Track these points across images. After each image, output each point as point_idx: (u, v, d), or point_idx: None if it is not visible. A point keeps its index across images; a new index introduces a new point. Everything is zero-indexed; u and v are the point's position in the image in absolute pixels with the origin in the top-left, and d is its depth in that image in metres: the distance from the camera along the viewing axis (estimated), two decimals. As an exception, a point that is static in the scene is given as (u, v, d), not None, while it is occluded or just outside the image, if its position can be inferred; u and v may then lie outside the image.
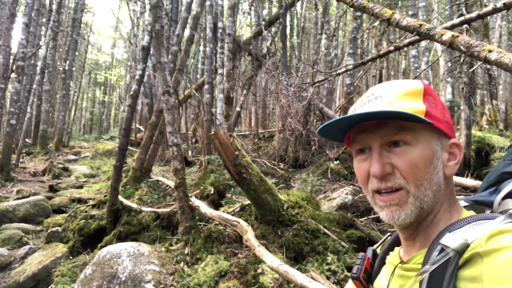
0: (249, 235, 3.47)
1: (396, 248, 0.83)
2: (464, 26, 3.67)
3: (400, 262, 0.76)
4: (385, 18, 3.31)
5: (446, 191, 0.73)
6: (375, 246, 0.92)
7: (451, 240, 0.62)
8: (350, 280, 0.89)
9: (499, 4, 2.66)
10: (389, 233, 0.93)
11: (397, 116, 0.67)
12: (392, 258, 0.81)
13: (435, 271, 0.61)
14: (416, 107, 0.70)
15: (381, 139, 0.71)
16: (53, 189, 9.17)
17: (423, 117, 0.68)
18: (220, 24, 9.59)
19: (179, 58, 7.58)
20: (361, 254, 0.89)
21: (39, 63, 15.85)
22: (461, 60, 6.19)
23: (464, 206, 0.83)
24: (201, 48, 18.49)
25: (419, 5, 11.57)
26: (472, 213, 0.73)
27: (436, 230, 0.70)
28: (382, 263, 0.85)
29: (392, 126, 0.70)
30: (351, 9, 8.35)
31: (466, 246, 0.60)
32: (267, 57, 9.41)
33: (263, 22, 10.71)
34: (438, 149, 0.72)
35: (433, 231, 0.71)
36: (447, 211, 0.72)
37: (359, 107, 0.75)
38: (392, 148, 0.71)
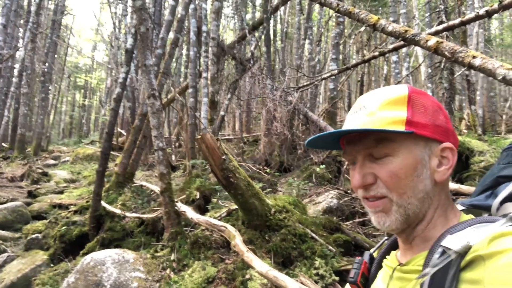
0: (237, 240, 3.44)
1: (393, 252, 0.83)
2: (444, 33, 3.76)
3: (399, 265, 0.76)
4: (370, 23, 3.37)
5: (440, 196, 0.73)
6: (372, 250, 0.92)
7: (453, 242, 0.62)
8: (347, 285, 0.89)
9: (481, 11, 2.74)
10: (386, 237, 0.93)
11: (372, 132, 0.70)
12: (389, 261, 0.81)
13: (436, 274, 0.61)
14: (397, 116, 0.71)
15: (363, 151, 0.73)
16: (32, 194, 8.90)
17: (401, 129, 0.69)
18: (204, 28, 9.57)
19: (163, 61, 7.51)
20: (358, 258, 0.89)
21: (17, 66, 15.43)
22: (442, 66, 6.35)
23: (461, 210, 0.83)
24: (184, 51, 18.40)
25: (400, 12, 11.82)
26: (471, 216, 0.73)
27: (433, 234, 0.70)
28: (379, 267, 0.85)
29: (371, 138, 0.72)
30: (335, 15, 8.47)
31: (468, 248, 0.60)
32: (252, 61, 9.43)
33: (247, 27, 10.74)
34: (425, 156, 0.71)
35: (429, 236, 0.71)
36: (442, 216, 0.72)
37: (350, 115, 0.78)
38: (374, 158, 0.72)
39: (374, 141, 0.71)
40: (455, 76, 5.90)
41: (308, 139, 0.76)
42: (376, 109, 0.72)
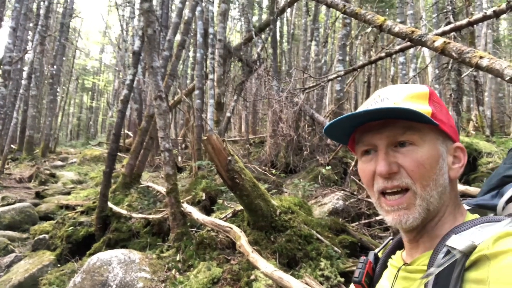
0: (243, 241, 3.44)
1: (398, 252, 0.83)
2: (452, 33, 3.74)
3: (404, 264, 0.75)
4: (377, 24, 3.35)
5: (451, 194, 0.73)
6: (376, 250, 0.92)
7: (458, 242, 0.62)
8: (352, 285, 0.88)
9: (489, 12, 2.72)
10: (390, 237, 0.92)
11: (406, 114, 0.67)
12: (395, 260, 0.81)
13: (441, 273, 0.61)
14: (422, 109, 0.70)
15: (387, 139, 0.71)
16: (39, 195, 8.99)
17: (430, 118, 0.68)
18: (211, 30, 9.60)
19: (170, 63, 7.55)
20: (362, 258, 0.89)
21: (26, 68, 15.63)
22: (449, 67, 6.29)
23: (467, 210, 0.83)
24: (191, 53, 18.48)
25: (407, 13, 11.76)
26: (477, 216, 0.73)
27: (441, 232, 0.70)
28: (384, 266, 0.84)
29: (399, 125, 0.70)
30: (341, 16, 8.45)
31: (473, 248, 0.59)
32: (258, 63, 9.44)
33: (253, 29, 10.76)
34: (444, 151, 0.72)
35: (437, 234, 0.70)
36: (452, 213, 0.72)
37: (369, 106, 0.75)
38: (398, 148, 0.71)
39: (402, 128, 0.70)
40: (463, 76, 5.84)
41: (331, 121, 0.73)
42: (401, 100, 0.71)
